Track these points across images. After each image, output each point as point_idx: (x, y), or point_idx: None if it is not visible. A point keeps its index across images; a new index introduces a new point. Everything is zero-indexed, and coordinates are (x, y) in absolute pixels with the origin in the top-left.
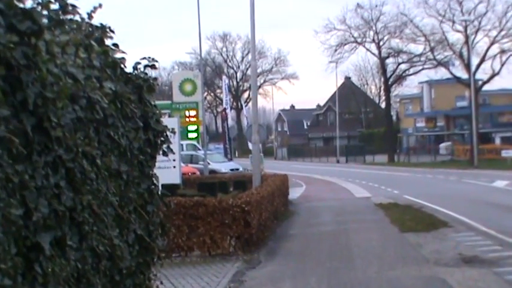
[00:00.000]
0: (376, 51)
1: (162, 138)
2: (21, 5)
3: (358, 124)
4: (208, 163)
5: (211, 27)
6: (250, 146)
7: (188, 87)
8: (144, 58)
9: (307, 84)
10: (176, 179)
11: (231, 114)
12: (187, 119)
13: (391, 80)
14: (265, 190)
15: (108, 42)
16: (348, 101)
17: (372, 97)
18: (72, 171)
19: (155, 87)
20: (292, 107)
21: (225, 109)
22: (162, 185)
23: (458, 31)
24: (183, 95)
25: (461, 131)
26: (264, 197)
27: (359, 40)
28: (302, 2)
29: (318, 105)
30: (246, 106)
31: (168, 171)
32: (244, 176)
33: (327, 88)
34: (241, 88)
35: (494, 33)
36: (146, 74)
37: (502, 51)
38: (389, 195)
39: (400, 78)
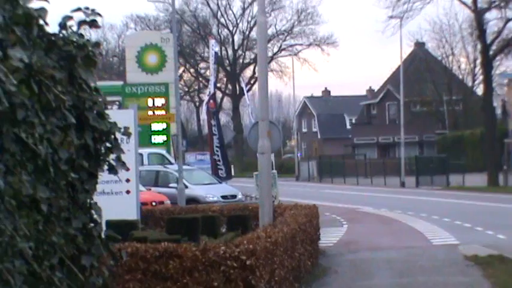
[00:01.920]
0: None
1: (108, 144)
2: None
3: (437, 122)
4: (186, 186)
5: None
6: (255, 157)
7: (152, 58)
8: (79, 9)
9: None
10: (131, 213)
11: (223, 105)
12: (150, 113)
13: (493, 47)
14: (280, 232)
15: None
16: (419, 83)
17: (460, 77)
18: None
19: (97, 58)
20: (327, 92)
21: (213, 96)
22: (109, 223)
23: None
24: (143, 72)
25: None
26: (278, 243)
27: None
28: None
29: (370, 90)
30: (248, 91)
31: (118, 199)
32: (245, 208)
33: (383, 62)
34: (241, 61)
35: None
36: (82, 36)
37: None
38: (489, 241)
39: (510, 45)
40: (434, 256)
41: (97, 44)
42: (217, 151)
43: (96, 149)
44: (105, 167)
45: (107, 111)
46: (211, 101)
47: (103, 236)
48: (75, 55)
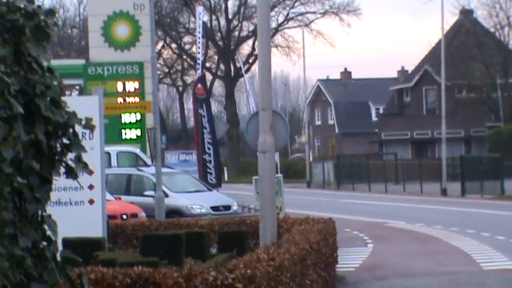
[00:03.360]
0: None
1: (65, 140)
2: None
3: (488, 112)
4: (166, 194)
5: None
6: (255, 157)
7: (122, 30)
8: None
9: (377, 28)
10: (96, 228)
11: (214, 90)
12: (120, 100)
13: None
14: (286, 253)
15: None
16: (466, 62)
17: None
18: None
19: (51, 29)
20: (347, 74)
21: (201, 79)
22: (66, 241)
23: None
24: (111, 48)
25: None
26: (284, 267)
27: None
28: None
29: (402, 71)
30: (247, 72)
31: (78, 210)
32: (241, 222)
33: (420, 36)
34: (236, 34)
35: None
36: (31, 1)
37: None
38: None
39: None
40: (484, 284)
41: (51, 12)
42: (208, 149)
43: (49, 147)
44: (62, 170)
45: (63, 98)
46: (199, 85)
47: (59, 257)
48: (23, 26)
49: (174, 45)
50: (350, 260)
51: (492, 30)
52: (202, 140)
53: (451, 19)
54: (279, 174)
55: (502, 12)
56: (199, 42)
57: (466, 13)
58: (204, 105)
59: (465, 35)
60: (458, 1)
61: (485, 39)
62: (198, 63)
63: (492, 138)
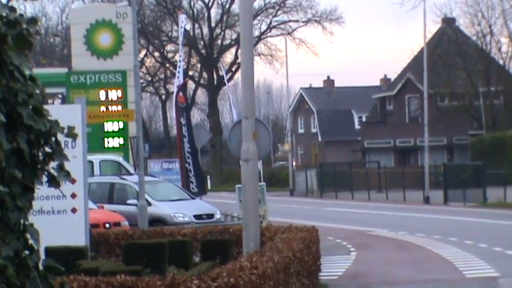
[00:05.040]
0: None
1: (47, 149)
2: None
3: (471, 120)
4: (149, 203)
5: None
6: (238, 166)
7: (105, 39)
8: None
9: (360, 36)
10: (78, 237)
11: (197, 99)
12: (103, 108)
13: None
14: (269, 261)
15: None
16: (448, 70)
17: (501, 62)
18: None
19: (33, 38)
20: (330, 82)
21: (182, 87)
22: (49, 250)
23: None
24: (93, 56)
25: None
26: (267, 275)
27: None
28: None
29: (385, 79)
30: (230, 80)
31: (61, 219)
32: (224, 230)
33: (402, 44)
34: (219, 42)
35: None
36: (13, 9)
37: None
38: None
39: None
40: None
41: (33, 21)
42: (188, 158)
43: (32, 155)
44: (44, 179)
45: (46, 107)
46: (180, 93)
47: (41, 266)
48: (5, 34)
49: (157, 54)
50: (333, 268)
51: (474, 38)
52: (182, 152)
53: (434, 27)
54: (262, 183)
55: (484, 20)
56: (181, 51)
57: (448, 21)
58: (184, 114)
59: (447, 43)
60: (441, 9)
61: (467, 48)
62: (179, 71)
63: (474, 146)
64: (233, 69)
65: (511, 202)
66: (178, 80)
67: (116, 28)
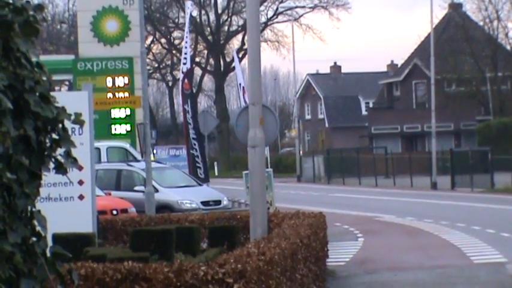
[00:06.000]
0: None
1: (54, 136)
2: None
3: (478, 106)
4: (156, 189)
5: None
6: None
7: (111, 26)
8: None
9: (366, 22)
10: (86, 223)
11: (204, 85)
12: (110, 95)
13: None
14: (276, 248)
15: None
16: (455, 56)
17: (508, 48)
18: None
19: (40, 25)
20: (337, 68)
21: (188, 74)
22: (56, 237)
23: None
24: (100, 43)
25: None
26: (275, 261)
27: None
28: None
29: (392, 65)
30: (240, 61)
31: (68, 206)
32: (232, 217)
33: (409, 29)
34: (225, 29)
35: None
36: None
37: None
38: None
39: None
40: (475, 278)
41: (40, 7)
42: (194, 144)
43: (39, 142)
44: (51, 165)
45: (53, 94)
46: (185, 80)
47: (48, 253)
48: (11, 21)
49: (163, 40)
50: (340, 254)
51: (481, 23)
52: (188, 138)
53: (440, 13)
54: (269, 169)
55: (491, 5)
56: (186, 37)
57: (455, 7)
58: (189, 101)
59: (454, 28)
60: None
61: (474, 33)
62: (185, 58)
63: (482, 131)
64: (240, 55)
65: None
66: (185, 66)
67: (122, 15)
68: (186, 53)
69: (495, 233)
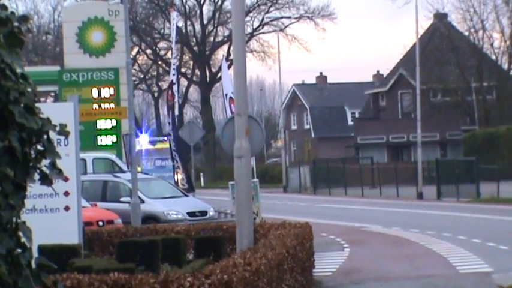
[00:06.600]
0: None
1: (39, 147)
2: None
3: (464, 115)
4: (142, 200)
5: None
6: (231, 163)
7: (97, 36)
8: None
9: (352, 32)
10: (71, 235)
11: (190, 96)
12: (95, 106)
13: None
14: (262, 258)
15: None
16: (441, 66)
17: (493, 58)
18: None
19: (24, 36)
20: (322, 78)
21: (172, 84)
22: (41, 248)
23: None
24: (86, 54)
25: None
26: (261, 272)
27: None
28: None
29: (377, 75)
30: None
31: (53, 217)
32: (218, 227)
33: (394, 40)
34: (211, 39)
35: None
36: (5, 7)
37: None
38: None
39: None
40: (460, 287)
41: (25, 18)
42: (175, 156)
43: (24, 153)
44: (36, 177)
45: (38, 105)
46: (169, 91)
47: (34, 264)
48: None
49: (149, 51)
50: (327, 264)
51: (466, 33)
52: (170, 146)
53: (426, 23)
54: (255, 179)
55: (476, 16)
56: (173, 48)
57: (441, 17)
58: (170, 112)
59: (440, 38)
60: (433, 5)
61: (459, 43)
62: (174, 68)
63: (467, 141)
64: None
65: (504, 197)
66: (175, 77)
67: (108, 26)
68: (174, 64)
69: (481, 243)
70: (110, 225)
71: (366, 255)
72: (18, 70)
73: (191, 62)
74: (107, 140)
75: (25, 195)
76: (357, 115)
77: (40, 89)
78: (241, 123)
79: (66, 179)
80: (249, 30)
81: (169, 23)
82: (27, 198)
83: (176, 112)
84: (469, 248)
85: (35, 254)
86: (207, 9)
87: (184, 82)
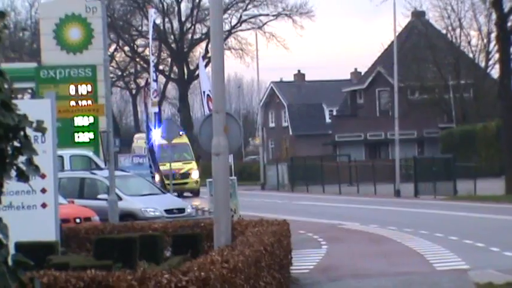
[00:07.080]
0: None
1: (16, 143)
2: None
3: (441, 113)
4: (120, 197)
5: None
6: (209, 160)
7: (74, 33)
8: None
9: (330, 30)
10: (48, 232)
11: (168, 93)
12: (73, 103)
13: None
14: (240, 255)
15: None
16: (418, 63)
17: (471, 56)
18: None
19: (1, 32)
20: (300, 76)
21: (147, 82)
22: (18, 245)
23: None
24: (63, 51)
25: None
26: (238, 269)
27: None
28: None
29: (355, 73)
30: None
31: (30, 214)
32: (195, 225)
33: (372, 37)
34: (189, 37)
35: None
36: None
37: None
38: (508, 265)
39: None
40: (437, 285)
41: (1, 15)
42: (153, 153)
43: (0, 150)
44: (13, 173)
45: (15, 101)
46: (145, 89)
47: (10, 262)
48: None
49: (126, 48)
50: (304, 261)
51: (444, 31)
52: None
53: (403, 21)
54: (233, 177)
55: (454, 13)
56: (151, 45)
57: (418, 15)
58: (145, 110)
59: (417, 36)
60: (411, 3)
61: (437, 41)
62: (153, 66)
63: (445, 139)
64: (204, 62)
65: (480, 195)
66: (154, 74)
67: (85, 22)
68: (153, 61)
69: (458, 240)
70: (87, 222)
71: (344, 252)
72: None
73: (169, 59)
74: (84, 137)
75: (2, 191)
76: (334, 113)
77: (17, 85)
78: (219, 121)
79: (43, 176)
80: (227, 27)
81: (147, 20)
82: (4, 195)
83: (156, 109)
84: (446, 245)
85: (12, 250)
86: (185, 6)
87: (162, 79)
